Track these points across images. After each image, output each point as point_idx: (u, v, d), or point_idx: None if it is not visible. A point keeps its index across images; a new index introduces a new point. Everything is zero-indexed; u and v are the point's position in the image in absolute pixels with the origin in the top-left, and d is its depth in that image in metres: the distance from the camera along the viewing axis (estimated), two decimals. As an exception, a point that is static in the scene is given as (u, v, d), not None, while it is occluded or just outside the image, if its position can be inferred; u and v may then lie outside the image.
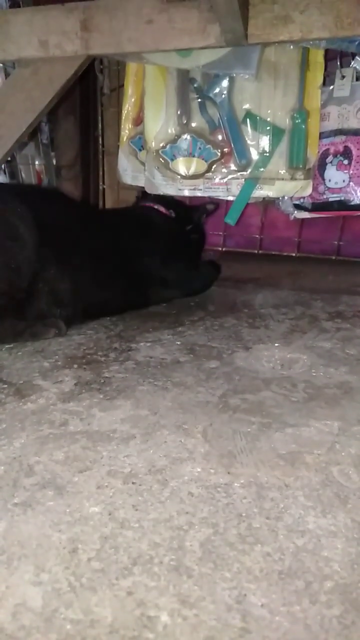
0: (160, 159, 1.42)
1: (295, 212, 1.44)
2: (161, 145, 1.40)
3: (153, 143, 1.41)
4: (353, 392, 0.74)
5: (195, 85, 1.35)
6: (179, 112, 1.38)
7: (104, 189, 1.87)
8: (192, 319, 1.09)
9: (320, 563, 0.43)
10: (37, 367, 0.83)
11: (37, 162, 2.14)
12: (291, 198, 1.41)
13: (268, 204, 1.48)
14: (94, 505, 0.50)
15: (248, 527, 0.47)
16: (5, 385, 0.77)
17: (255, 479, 0.54)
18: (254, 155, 1.35)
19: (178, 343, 0.94)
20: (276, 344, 0.93)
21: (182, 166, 1.40)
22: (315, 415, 0.67)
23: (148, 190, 1.52)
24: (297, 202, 1.43)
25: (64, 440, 0.61)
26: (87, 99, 1.88)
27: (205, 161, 1.38)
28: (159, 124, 1.40)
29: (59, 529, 0.47)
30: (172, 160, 1.41)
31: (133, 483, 0.54)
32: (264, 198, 1.43)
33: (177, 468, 0.56)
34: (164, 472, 0.55)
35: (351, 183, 1.32)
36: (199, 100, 1.36)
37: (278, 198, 1.43)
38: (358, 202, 1.32)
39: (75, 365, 0.84)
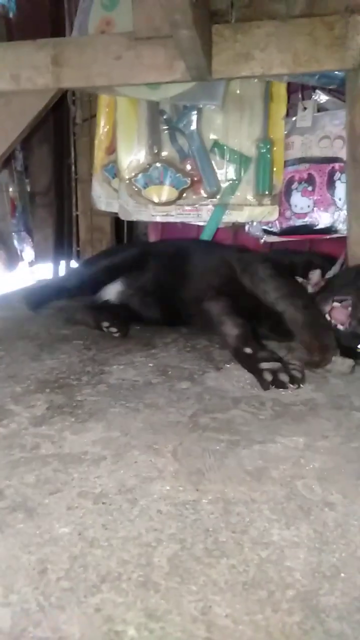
0: (133, 187, 1.46)
1: (265, 236, 1.49)
2: (133, 174, 1.45)
3: (126, 172, 1.45)
4: (318, 409, 0.77)
5: (165, 117, 1.41)
6: (150, 143, 1.42)
7: (77, 215, 1.91)
8: (165, 341, 1.11)
9: (283, 573, 0.44)
10: (9, 392, 0.83)
11: (10, 189, 2.17)
12: (260, 222, 1.46)
13: (238, 228, 1.53)
14: (64, 526, 0.51)
15: (214, 542, 0.48)
16: (-23, 411, 0.77)
17: (222, 494, 0.56)
18: (223, 182, 1.41)
19: (151, 365, 0.96)
20: (246, 364, 0.95)
21: (154, 194, 1.44)
22: (282, 432, 0.70)
23: (122, 217, 1.55)
24: (265, 227, 1.48)
25: (35, 464, 0.62)
26: (60, 128, 1.92)
27: (176, 189, 1.42)
28: (131, 154, 1.44)
29: (29, 550, 0.48)
30: (144, 188, 1.45)
31: (103, 503, 0.54)
32: (233, 223, 1.48)
33: (146, 487, 0.57)
34: (134, 491, 0.56)
35: (315, 208, 1.38)
36: (169, 131, 1.41)
37: (247, 223, 1.48)
38: (322, 226, 1.38)
39: (48, 390, 0.85)
